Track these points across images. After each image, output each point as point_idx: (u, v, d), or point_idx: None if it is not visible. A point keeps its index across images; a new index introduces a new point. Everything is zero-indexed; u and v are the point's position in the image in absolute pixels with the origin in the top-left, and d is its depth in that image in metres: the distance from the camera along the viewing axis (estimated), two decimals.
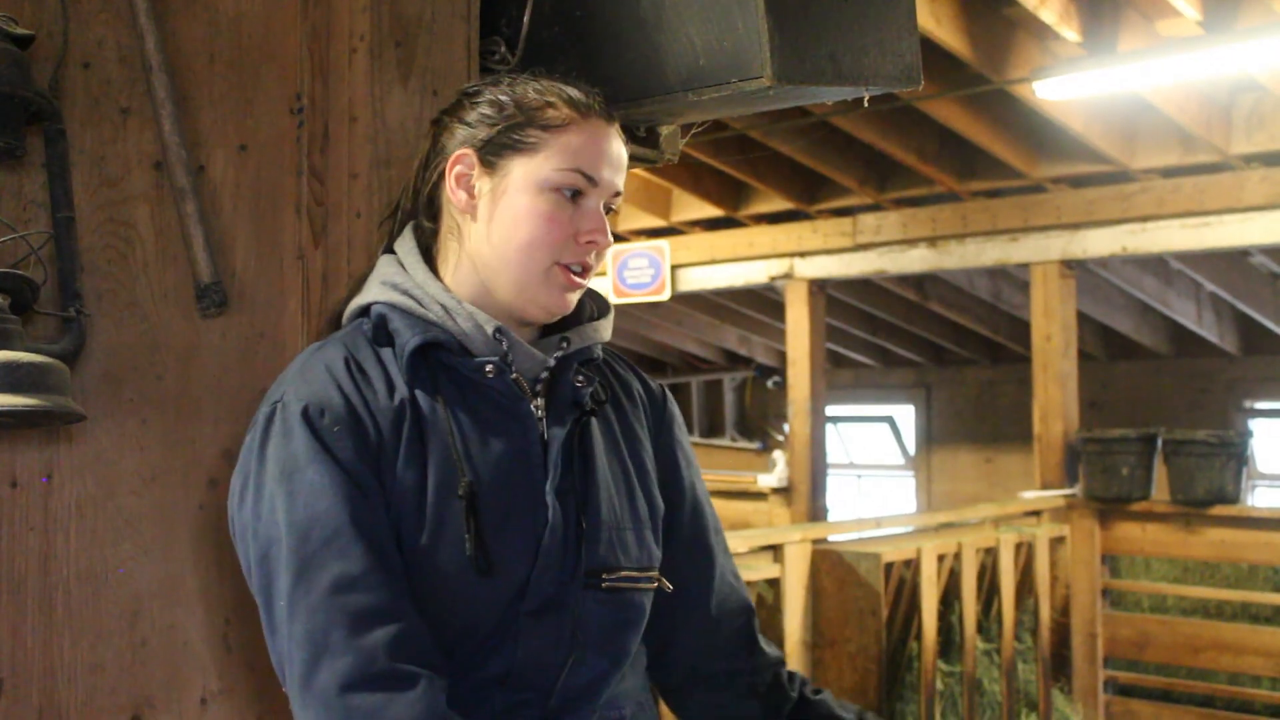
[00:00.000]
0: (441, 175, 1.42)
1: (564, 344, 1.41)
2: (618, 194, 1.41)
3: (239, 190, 1.73)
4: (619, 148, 1.41)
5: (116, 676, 1.61)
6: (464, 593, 1.29)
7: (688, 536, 1.52)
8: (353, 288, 1.49)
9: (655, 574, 1.44)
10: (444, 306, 1.37)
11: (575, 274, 1.37)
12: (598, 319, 1.48)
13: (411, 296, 1.38)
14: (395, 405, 1.31)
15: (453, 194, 1.40)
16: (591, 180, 1.37)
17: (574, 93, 1.39)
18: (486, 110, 1.39)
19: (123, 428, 1.63)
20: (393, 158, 1.83)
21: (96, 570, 1.60)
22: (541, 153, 1.36)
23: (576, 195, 1.36)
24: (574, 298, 1.40)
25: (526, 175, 1.36)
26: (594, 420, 1.42)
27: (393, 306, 1.37)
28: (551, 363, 1.39)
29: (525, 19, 1.86)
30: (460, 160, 1.39)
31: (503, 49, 1.91)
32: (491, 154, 1.38)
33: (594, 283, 1.48)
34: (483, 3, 1.93)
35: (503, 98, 1.40)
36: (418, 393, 1.33)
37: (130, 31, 1.64)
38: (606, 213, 1.40)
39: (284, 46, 1.78)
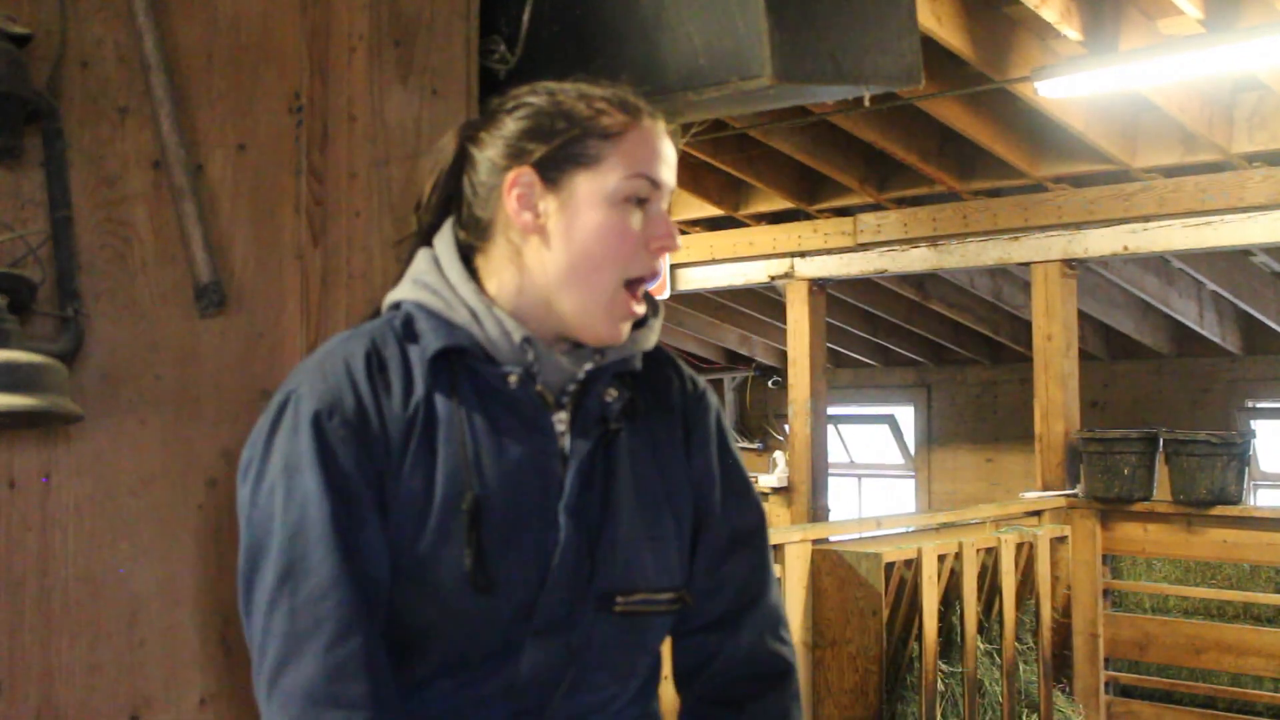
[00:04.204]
0: (478, 190, 1.36)
1: (598, 356, 1.35)
2: (670, 192, 1.38)
3: (238, 190, 1.73)
4: (670, 145, 1.37)
5: (115, 677, 1.61)
6: (463, 608, 1.26)
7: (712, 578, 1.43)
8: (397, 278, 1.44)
9: (675, 594, 1.38)
10: (472, 310, 1.33)
11: (639, 296, 1.34)
12: (642, 325, 1.42)
13: (441, 297, 1.34)
14: (409, 412, 1.29)
15: (516, 215, 1.33)
16: (655, 184, 1.33)
17: (623, 95, 1.34)
18: (534, 124, 1.33)
19: (121, 428, 1.63)
20: (392, 157, 1.83)
21: (95, 571, 1.60)
22: (605, 163, 1.31)
23: (642, 201, 1.33)
24: (628, 329, 1.35)
25: (593, 189, 1.31)
26: (622, 433, 1.37)
27: (420, 306, 1.34)
28: (581, 375, 1.34)
29: (525, 18, 1.86)
30: (518, 180, 1.32)
31: (502, 48, 1.90)
32: (552, 170, 1.31)
33: None
34: (482, 2, 1.92)
35: (550, 109, 1.33)
36: (436, 397, 1.30)
37: (128, 31, 1.64)
38: None
39: (283, 46, 1.78)
